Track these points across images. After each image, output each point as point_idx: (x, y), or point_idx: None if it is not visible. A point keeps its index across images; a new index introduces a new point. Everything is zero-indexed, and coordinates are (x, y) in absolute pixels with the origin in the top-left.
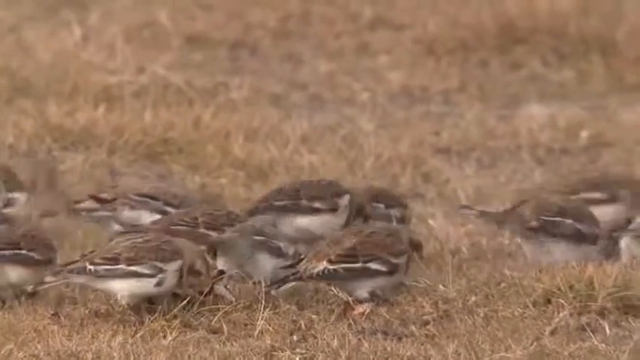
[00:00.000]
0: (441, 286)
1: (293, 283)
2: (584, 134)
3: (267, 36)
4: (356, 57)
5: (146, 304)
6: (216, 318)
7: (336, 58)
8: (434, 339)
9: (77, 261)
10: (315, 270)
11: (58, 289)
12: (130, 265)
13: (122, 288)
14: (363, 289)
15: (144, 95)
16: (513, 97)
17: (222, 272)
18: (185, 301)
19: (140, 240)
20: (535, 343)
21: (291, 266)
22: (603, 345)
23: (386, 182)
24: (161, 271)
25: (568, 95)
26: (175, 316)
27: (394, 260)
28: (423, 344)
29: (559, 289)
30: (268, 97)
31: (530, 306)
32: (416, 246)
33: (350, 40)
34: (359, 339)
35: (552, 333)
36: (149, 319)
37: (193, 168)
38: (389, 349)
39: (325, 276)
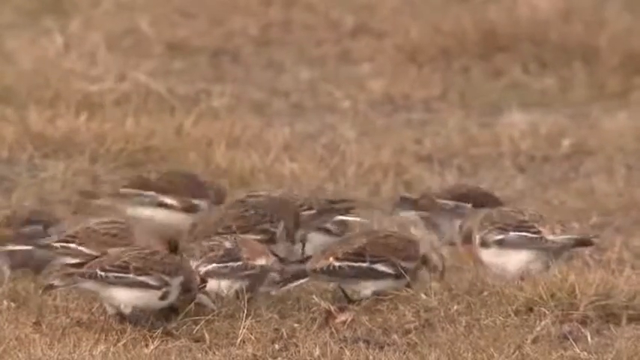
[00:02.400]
0: (422, 295)
1: (299, 282)
2: (565, 142)
3: (249, 43)
4: (337, 64)
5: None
6: (198, 327)
7: (317, 65)
8: (416, 348)
9: (85, 264)
10: (319, 265)
11: (39, 297)
12: (138, 275)
13: (128, 297)
14: (367, 290)
15: (125, 103)
16: (495, 104)
17: (204, 281)
18: (167, 311)
19: (147, 251)
20: (517, 352)
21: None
22: (585, 353)
23: (367, 190)
24: (166, 284)
25: (549, 103)
26: (157, 325)
27: (402, 264)
28: (404, 353)
29: (541, 298)
30: (250, 104)
31: (512, 314)
32: (425, 261)
33: (331, 47)
34: (341, 347)
35: (534, 341)
36: (131, 328)
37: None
38: (371, 357)
39: (329, 272)
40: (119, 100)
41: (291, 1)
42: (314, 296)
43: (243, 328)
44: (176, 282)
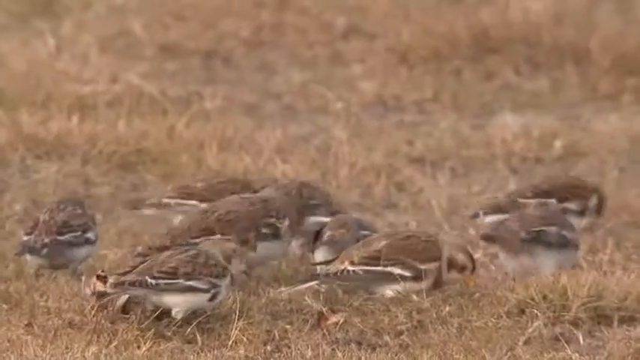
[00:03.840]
0: (414, 297)
1: (310, 284)
2: (557, 143)
3: (241, 46)
4: (329, 67)
5: (120, 315)
6: (190, 328)
7: (309, 67)
8: (408, 349)
9: (131, 272)
10: (333, 270)
11: (31, 299)
12: (187, 280)
13: (179, 302)
14: (385, 293)
15: (118, 105)
16: (487, 106)
17: None
18: (159, 312)
19: (192, 253)
20: (509, 354)
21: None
22: (577, 355)
23: (359, 192)
24: (215, 286)
25: (542, 104)
26: (149, 327)
27: (420, 266)
28: (396, 354)
29: (533, 300)
30: (242, 106)
31: (504, 316)
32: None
33: (323, 49)
34: (333, 349)
35: (526, 343)
36: (122, 329)
37: (167, 178)
38: (363, 359)
39: (343, 277)
40: (111, 102)
41: (283, 3)
42: (306, 298)
43: (236, 329)
44: (225, 283)
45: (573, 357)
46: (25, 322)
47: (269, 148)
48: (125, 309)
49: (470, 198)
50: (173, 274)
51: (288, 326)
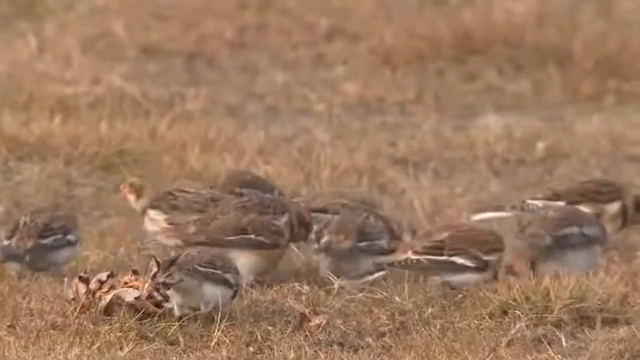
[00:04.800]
0: (397, 298)
1: (377, 274)
2: (540, 145)
3: (223, 47)
4: (312, 68)
5: (102, 316)
6: (172, 329)
7: (292, 68)
8: (390, 350)
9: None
10: (398, 259)
11: (14, 300)
12: (224, 272)
13: (214, 294)
14: (449, 283)
15: (100, 106)
16: (469, 107)
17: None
18: (141, 313)
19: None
20: (491, 355)
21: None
22: (559, 356)
23: None
24: (237, 284)
25: (524, 106)
26: (132, 328)
27: (484, 257)
28: (379, 356)
29: (515, 301)
30: (224, 107)
31: (487, 317)
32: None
33: (306, 51)
34: (315, 350)
35: (509, 344)
36: (105, 330)
37: (149, 179)
38: None
39: (407, 266)
40: (93, 103)
41: (266, 4)
42: (288, 299)
43: (218, 331)
44: (242, 282)
45: (556, 358)
46: (8, 324)
47: (251, 150)
48: (108, 310)
49: (452, 199)
50: (212, 264)
51: (270, 328)
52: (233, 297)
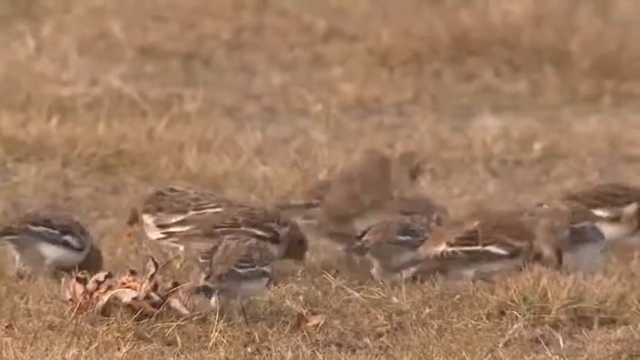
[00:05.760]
0: (394, 298)
1: (414, 268)
2: (537, 145)
3: (221, 47)
4: (309, 68)
5: (100, 317)
6: (170, 330)
7: (289, 69)
8: (388, 351)
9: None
10: (432, 252)
11: (12, 301)
12: (261, 265)
13: (255, 288)
14: (483, 272)
15: (97, 107)
16: (467, 108)
17: (176, 284)
18: (138, 313)
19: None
20: (489, 355)
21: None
22: (557, 357)
23: None
24: (271, 275)
25: (521, 106)
26: (129, 328)
27: (515, 244)
28: (376, 356)
29: (513, 301)
30: (222, 108)
31: (484, 318)
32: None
33: (303, 51)
34: (313, 351)
35: (506, 345)
36: (102, 331)
37: (147, 180)
38: None
39: (444, 258)
40: (91, 104)
41: (263, 5)
42: (286, 300)
43: (216, 331)
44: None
45: (553, 359)
46: (6, 324)
47: (249, 150)
48: (105, 311)
49: (450, 200)
50: (249, 261)
51: (268, 328)
52: (267, 285)
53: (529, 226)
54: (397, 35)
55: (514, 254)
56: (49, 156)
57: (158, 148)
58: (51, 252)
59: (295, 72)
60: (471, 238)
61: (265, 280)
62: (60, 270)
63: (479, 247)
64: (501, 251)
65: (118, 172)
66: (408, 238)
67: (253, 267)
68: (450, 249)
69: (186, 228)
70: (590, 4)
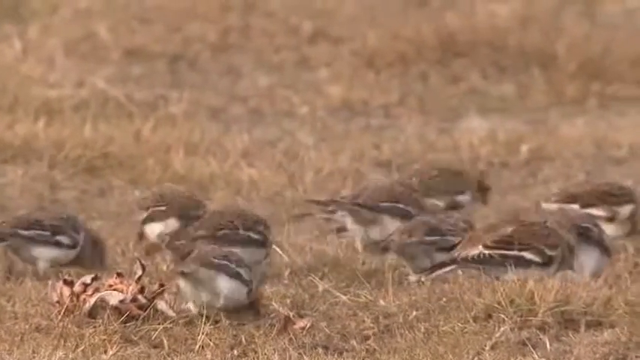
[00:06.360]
0: (381, 301)
1: (448, 268)
2: (524, 148)
3: (207, 49)
4: (296, 70)
5: (86, 319)
6: (156, 332)
7: (275, 71)
8: (374, 354)
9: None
10: (471, 254)
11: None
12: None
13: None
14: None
15: (84, 109)
16: (453, 110)
17: (162, 286)
18: (125, 316)
19: None
20: (476, 358)
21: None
22: (544, 359)
23: (326, 196)
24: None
25: (508, 109)
26: (116, 331)
27: (549, 252)
28: (363, 359)
29: (500, 304)
30: (208, 110)
31: (471, 321)
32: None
33: (290, 53)
34: (299, 354)
35: (493, 348)
36: (89, 333)
37: (133, 182)
38: None
39: (480, 260)
40: (78, 105)
41: (249, 7)
42: (273, 302)
43: (202, 334)
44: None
45: None
46: None
47: (235, 153)
48: (92, 313)
49: None
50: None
51: (254, 331)
52: (247, 294)
53: (559, 234)
54: (383, 37)
55: (546, 263)
56: (35, 158)
57: (145, 150)
58: (44, 254)
59: (281, 74)
60: (506, 242)
61: None
62: (56, 267)
63: (515, 252)
64: (535, 258)
65: (105, 174)
66: (436, 238)
67: None
68: (486, 251)
69: None
70: (576, 6)
